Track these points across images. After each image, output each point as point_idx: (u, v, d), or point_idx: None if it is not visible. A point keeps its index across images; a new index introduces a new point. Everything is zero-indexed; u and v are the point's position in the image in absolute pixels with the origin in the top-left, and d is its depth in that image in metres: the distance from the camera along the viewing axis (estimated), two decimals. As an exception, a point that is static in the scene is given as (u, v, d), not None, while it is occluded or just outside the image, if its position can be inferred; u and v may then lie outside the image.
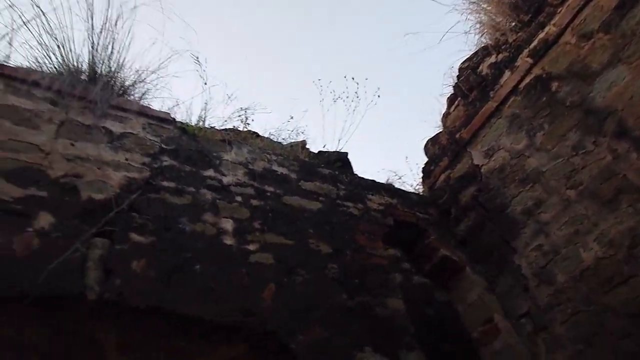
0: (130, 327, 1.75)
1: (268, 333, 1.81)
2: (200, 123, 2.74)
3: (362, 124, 3.41)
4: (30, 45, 2.27)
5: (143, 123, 2.35)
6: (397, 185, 3.38)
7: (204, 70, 2.80)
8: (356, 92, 3.33)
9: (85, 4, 2.32)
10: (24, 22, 2.14)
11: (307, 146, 3.69)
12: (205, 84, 2.83)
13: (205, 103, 2.78)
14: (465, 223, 3.07)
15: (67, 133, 2.02)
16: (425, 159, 3.63)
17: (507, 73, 2.97)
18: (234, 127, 3.25)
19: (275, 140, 3.47)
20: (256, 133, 3.49)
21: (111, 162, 2.03)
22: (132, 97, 2.49)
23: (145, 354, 1.81)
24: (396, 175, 3.63)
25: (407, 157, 3.94)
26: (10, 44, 2.18)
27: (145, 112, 2.42)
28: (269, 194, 2.46)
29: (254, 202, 2.35)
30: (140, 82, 2.54)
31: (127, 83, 2.51)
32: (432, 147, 3.60)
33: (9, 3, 2.20)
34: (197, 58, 2.76)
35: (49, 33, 2.26)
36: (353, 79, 3.34)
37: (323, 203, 2.66)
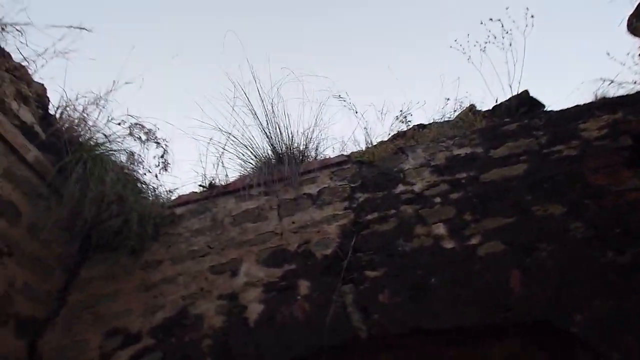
0: (403, 347, 1.94)
1: (537, 323, 1.69)
2: (369, 147, 2.91)
3: (527, 54, 2.84)
4: (232, 159, 2.97)
5: (328, 174, 2.66)
6: (612, 94, 2.66)
7: (350, 103, 2.99)
8: (502, 28, 2.86)
9: (248, 109, 2.87)
10: (223, 148, 2.81)
11: (477, 108, 3.37)
12: (357, 112, 3.01)
13: (365, 128, 2.95)
14: None
15: (284, 212, 2.49)
16: (636, 42, 2.74)
17: None
18: (398, 131, 3.30)
19: (441, 120, 3.32)
20: (420, 124, 3.43)
21: (323, 219, 2.37)
22: (310, 157, 2.88)
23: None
24: (605, 81, 2.85)
25: (609, 54, 3.01)
26: (223, 166, 2.89)
27: (325, 164, 2.74)
28: (463, 181, 2.35)
29: (454, 196, 2.29)
30: (310, 141, 2.92)
31: (301, 148, 2.93)
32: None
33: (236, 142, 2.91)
34: (339, 96, 2.98)
35: (238, 144, 2.90)
36: (491, 19, 2.89)
37: (527, 162, 2.35)
